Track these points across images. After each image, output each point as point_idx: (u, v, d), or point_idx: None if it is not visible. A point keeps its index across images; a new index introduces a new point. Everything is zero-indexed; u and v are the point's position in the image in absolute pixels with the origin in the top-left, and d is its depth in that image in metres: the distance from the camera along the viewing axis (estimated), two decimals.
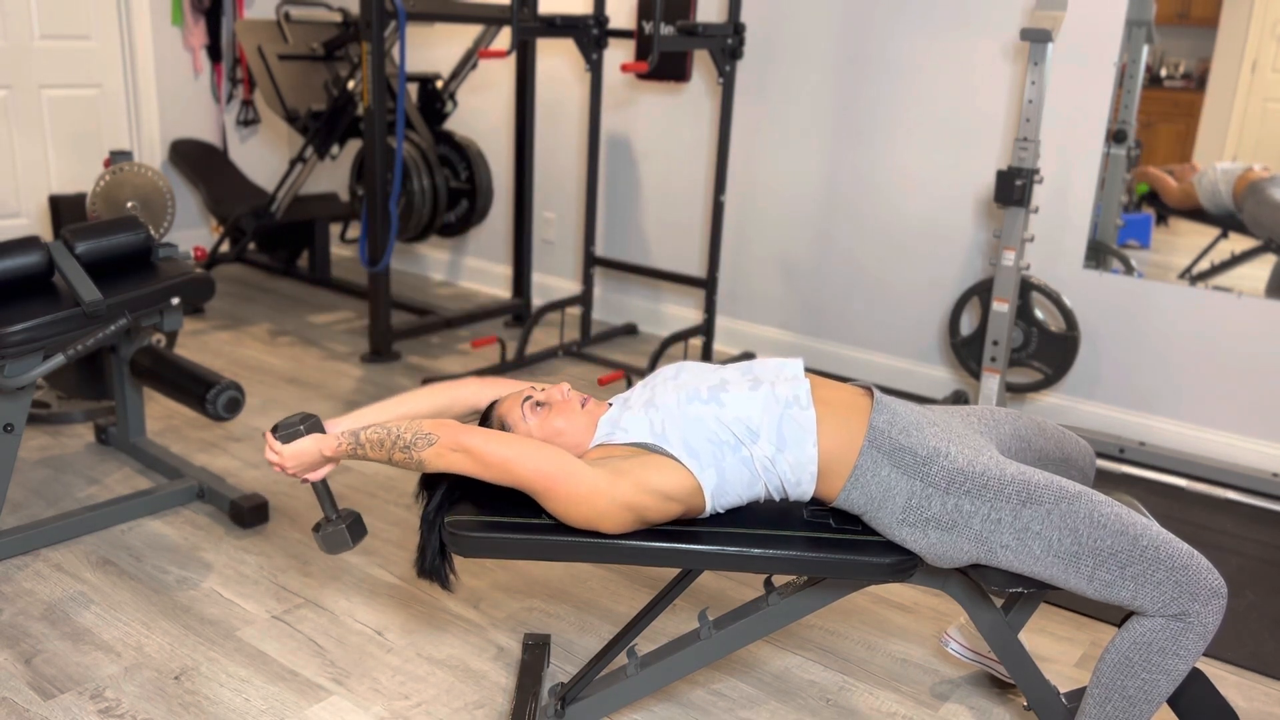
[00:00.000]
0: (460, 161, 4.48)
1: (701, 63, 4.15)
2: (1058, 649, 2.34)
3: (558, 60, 4.55)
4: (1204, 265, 3.29)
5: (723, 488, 1.69)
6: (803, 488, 1.71)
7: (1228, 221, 3.23)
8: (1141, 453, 3.32)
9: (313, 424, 1.74)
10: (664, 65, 4.16)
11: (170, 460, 2.91)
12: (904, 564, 1.69)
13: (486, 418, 1.78)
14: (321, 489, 1.80)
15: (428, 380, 3.69)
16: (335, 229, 5.74)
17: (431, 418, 1.85)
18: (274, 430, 1.74)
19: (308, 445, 1.73)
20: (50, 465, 2.99)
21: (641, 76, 4.29)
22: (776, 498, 1.75)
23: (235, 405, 2.59)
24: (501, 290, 5.02)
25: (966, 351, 3.50)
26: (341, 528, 1.78)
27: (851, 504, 1.71)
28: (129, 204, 3.35)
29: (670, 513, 1.67)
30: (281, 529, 2.70)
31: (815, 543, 1.69)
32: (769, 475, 1.70)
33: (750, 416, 1.69)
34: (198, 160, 5.04)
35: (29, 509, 2.74)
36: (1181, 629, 1.60)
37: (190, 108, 5.18)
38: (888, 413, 1.73)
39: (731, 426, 1.68)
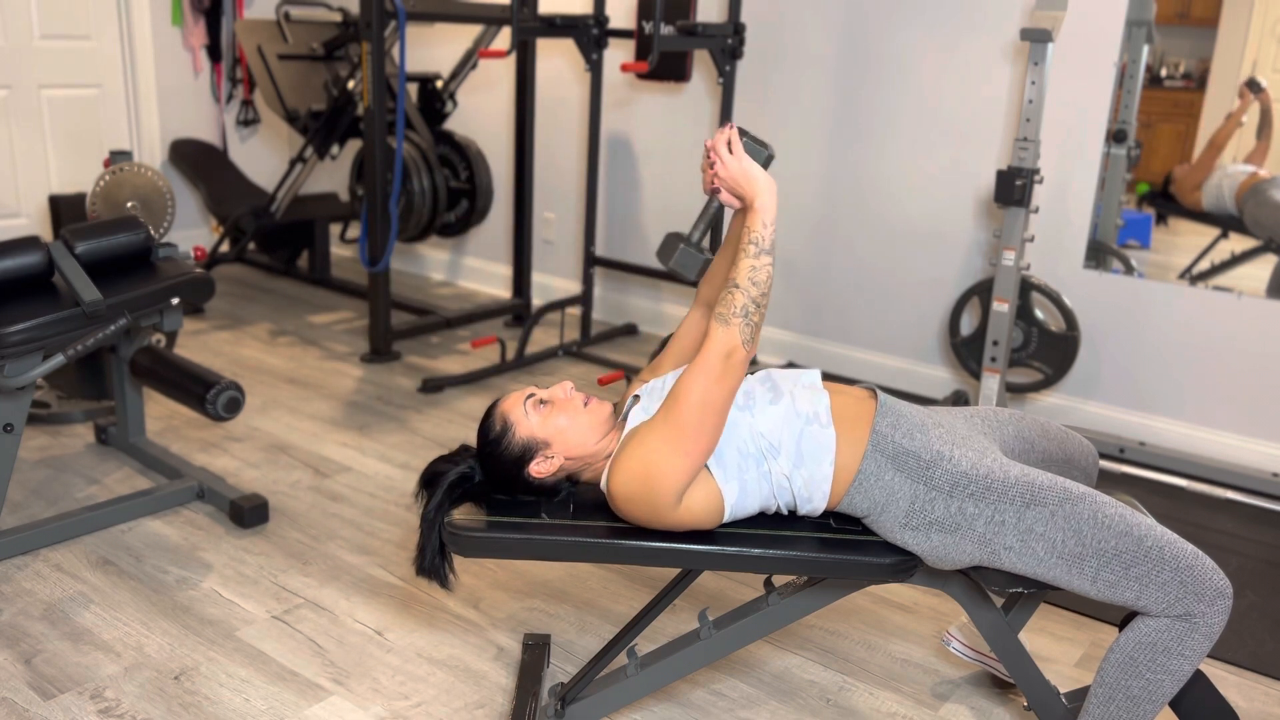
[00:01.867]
0: (460, 161, 4.48)
1: (701, 63, 4.15)
2: (1058, 649, 2.33)
3: (558, 60, 4.55)
4: (1204, 265, 3.28)
5: (742, 502, 1.68)
6: (813, 504, 1.71)
7: (1228, 222, 3.23)
8: (1141, 453, 3.32)
9: (770, 158, 1.64)
10: (664, 65, 4.16)
11: (170, 460, 2.91)
12: (904, 564, 1.69)
13: (489, 415, 1.78)
14: (718, 210, 1.73)
15: (429, 381, 3.69)
16: (335, 229, 5.74)
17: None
18: (743, 132, 1.65)
19: (759, 176, 1.63)
20: (50, 465, 2.99)
21: (641, 76, 4.29)
22: (786, 512, 1.74)
23: (235, 405, 2.59)
24: (501, 290, 5.02)
25: (966, 351, 3.50)
26: (702, 256, 1.72)
27: (854, 508, 1.71)
28: (129, 204, 3.35)
29: (684, 527, 1.67)
30: (281, 529, 2.70)
31: (815, 543, 1.69)
32: (782, 492, 1.69)
33: (771, 430, 1.68)
34: (198, 160, 5.04)
35: (29, 509, 2.73)
36: (1187, 629, 1.60)
37: (190, 108, 5.18)
38: (891, 415, 1.72)
39: (756, 439, 1.67)
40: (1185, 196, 3.29)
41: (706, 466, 1.65)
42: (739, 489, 1.67)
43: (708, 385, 1.58)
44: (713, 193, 1.71)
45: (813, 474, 1.67)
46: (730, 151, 1.65)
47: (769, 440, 1.67)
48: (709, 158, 1.69)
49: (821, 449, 1.67)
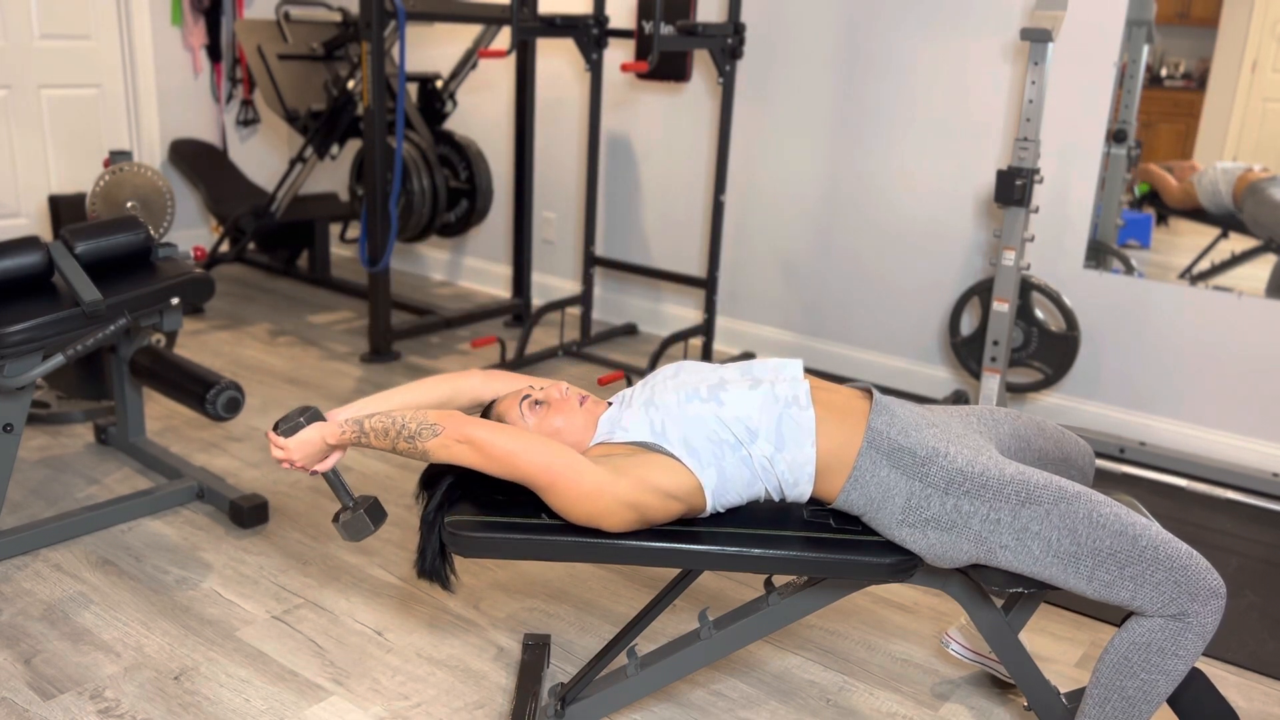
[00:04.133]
0: (460, 161, 4.48)
1: (701, 63, 4.15)
2: (1058, 649, 2.33)
3: (558, 60, 4.55)
4: (1204, 265, 3.28)
5: (723, 487, 1.69)
6: (800, 488, 1.71)
7: (1228, 221, 3.23)
8: (1141, 453, 3.32)
9: (312, 414, 1.74)
10: (664, 65, 4.16)
11: (170, 460, 2.91)
12: (904, 564, 1.69)
13: (486, 415, 1.79)
14: (334, 478, 1.80)
15: None
16: (335, 229, 5.74)
17: (436, 408, 1.85)
18: (275, 427, 1.74)
19: (311, 434, 1.73)
20: (50, 465, 2.99)
21: (641, 76, 4.29)
22: (775, 498, 1.75)
23: (235, 405, 2.59)
24: (501, 290, 5.02)
25: (966, 351, 3.50)
26: (361, 514, 1.77)
27: (851, 505, 1.71)
28: (129, 204, 3.35)
29: (672, 512, 1.67)
30: (281, 529, 2.70)
31: (815, 543, 1.69)
32: (767, 475, 1.70)
33: (749, 416, 1.68)
34: (198, 160, 5.04)
35: (29, 509, 2.74)
36: (1181, 629, 1.60)
37: (190, 108, 5.18)
38: (886, 413, 1.73)
39: (731, 426, 1.68)
40: (1170, 198, 3.29)
41: (677, 457, 1.66)
42: (717, 475, 1.67)
43: (487, 456, 1.62)
44: (313, 474, 1.80)
45: (795, 456, 1.68)
46: (284, 448, 1.74)
47: (746, 426, 1.68)
48: (284, 464, 1.77)
49: (801, 431, 1.68)
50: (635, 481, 1.63)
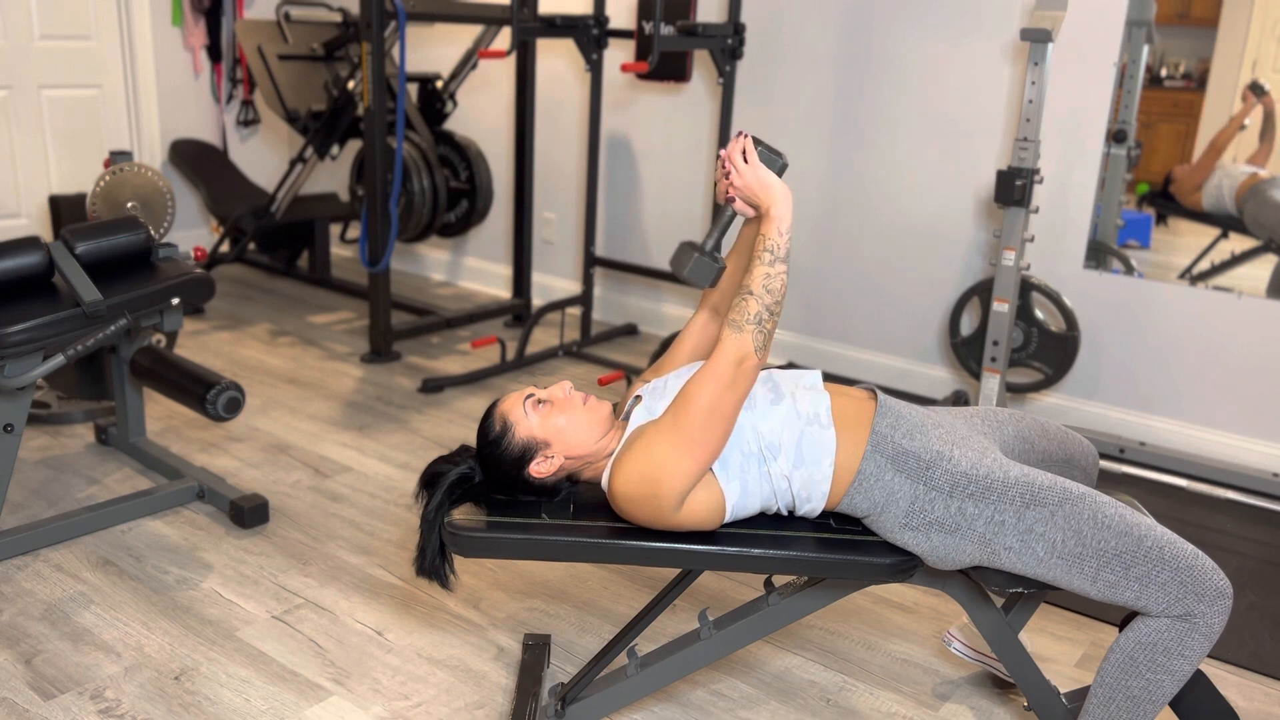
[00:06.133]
0: (460, 161, 4.48)
1: (701, 63, 4.15)
2: (1058, 649, 2.33)
3: (558, 60, 4.55)
4: (1204, 265, 3.28)
5: (743, 502, 1.68)
6: (812, 504, 1.71)
7: (1228, 222, 3.23)
8: (1141, 453, 3.32)
9: (784, 167, 1.68)
10: (664, 65, 4.16)
11: (170, 460, 2.91)
12: (904, 564, 1.69)
13: (489, 416, 1.78)
14: (729, 221, 1.74)
15: (430, 381, 3.69)
16: (335, 229, 5.74)
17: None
18: (757, 142, 1.67)
19: (777, 187, 1.65)
20: (50, 465, 2.99)
21: (641, 76, 4.29)
22: (785, 513, 1.74)
23: (235, 405, 2.59)
24: (501, 290, 5.02)
25: (966, 351, 3.50)
26: (716, 265, 1.71)
27: (854, 508, 1.71)
28: (129, 204, 3.35)
29: (686, 528, 1.67)
30: (281, 529, 2.70)
31: (815, 543, 1.69)
32: (781, 493, 1.69)
33: (772, 431, 1.68)
34: (198, 160, 5.04)
35: (29, 509, 2.74)
36: (1187, 629, 1.60)
37: (190, 108, 5.18)
38: (891, 416, 1.73)
39: (758, 439, 1.67)
40: (1185, 197, 3.29)
41: (709, 468, 1.65)
42: (740, 489, 1.67)
43: (718, 391, 1.58)
44: (728, 201, 1.72)
45: (812, 474, 1.68)
46: (745, 161, 1.67)
47: (769, 441, 1.67)
48: (724, 167, 1.70)
49: (821, 450, 1.68)
50: (686, 515, 1.64)
